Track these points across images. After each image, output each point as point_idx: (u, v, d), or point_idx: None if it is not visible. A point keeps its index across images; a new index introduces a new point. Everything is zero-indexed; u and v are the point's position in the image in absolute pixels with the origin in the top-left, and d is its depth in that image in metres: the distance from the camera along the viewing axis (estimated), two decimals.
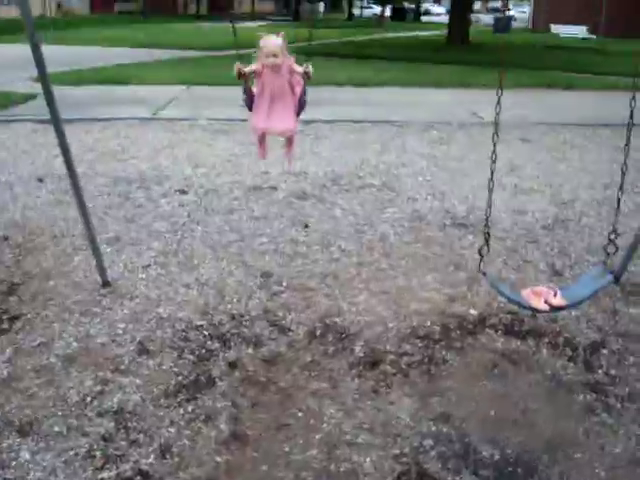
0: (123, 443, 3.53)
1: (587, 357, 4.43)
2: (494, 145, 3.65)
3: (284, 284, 5.43)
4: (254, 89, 4.37)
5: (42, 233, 6.39)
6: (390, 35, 40.60)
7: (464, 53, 25.46)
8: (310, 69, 4.22)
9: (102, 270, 5.35)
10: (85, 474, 3.30)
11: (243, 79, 4.27)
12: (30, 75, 13.64)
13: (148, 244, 6.21)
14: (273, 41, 4.20)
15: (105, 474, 3.30)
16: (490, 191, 3.72)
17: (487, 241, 3.60)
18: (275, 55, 4.16)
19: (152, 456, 3.44)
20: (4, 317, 4.83)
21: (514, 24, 49.04)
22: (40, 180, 8.02)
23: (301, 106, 4.42)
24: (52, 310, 4.93)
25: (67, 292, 5.22)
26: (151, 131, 11.25)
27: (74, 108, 12.88)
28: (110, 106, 13.30)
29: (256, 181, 8.21)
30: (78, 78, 17.11)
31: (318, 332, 4.72)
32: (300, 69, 4.24)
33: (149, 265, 5.75)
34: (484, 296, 5.21)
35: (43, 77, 4.45)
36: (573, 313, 4.95)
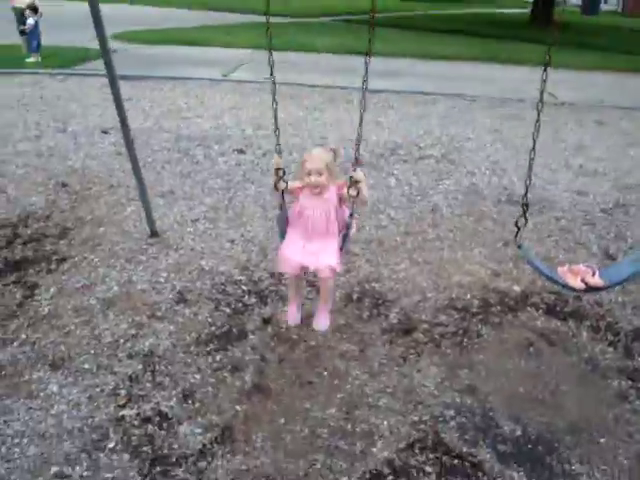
0: (148, 385, 3.63)
1: (628, 343, 4.29)
2: (538, 116, 3.52)
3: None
4: (290, 211, 3.74)
5: (99, 182, 6.56)
6: (473, 11, 39.64)
7: (546, 32, 24.64)
8: (363, 189, 3.50)
9: (151, 221, 5.46)
10: (107, 410, 3.41)
11: (281, 190, 3.63)
12: (108, 33, 13.88)
13: (200, 199, 6.29)
14: (319, 155, 3.55)
15: (126, 412, 3.40)
16: (530, 167, 3.61)
17: (525, 213, 3.49)
18: (320, 173, 3.48)
19: (174, 399, 3.52)
20: (53, 258, 4.99)
21: (604, 7, 47.05)
22: (104, 132, 8.22)
23: (345, 238, 3.68)
24: (99, 255, 5.07)
25: (116, 239, 5.35)
26: (219, 92, 11.34)
27: (149, 66, 13.16)
28: (183, 66, 13.48)
29: (315, 145, 8.18)
30: (157, 38, 17.41)
31: (355, 296, 4.71)
32: (353, 192, 3.50)
33: (198, 219, 5.83)
34: (530, 274, 5.08)
35: (102, 38, 4.51)
36: (620, 299, 4.80)
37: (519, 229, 3.47)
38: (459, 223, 6.07)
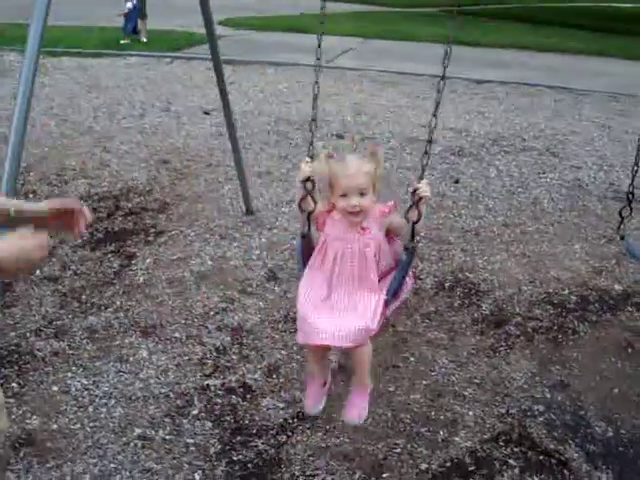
0: (234, 357, 3.67)
1: None
2: None
3: (422, 234, 5.33)
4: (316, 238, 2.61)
5: (199, 161, 6.70)
6: (585, 4, 38.18)
7: None
8: (426, 187, 2.41)
9: (247, 200, 5.53)
10: (193, 378, 3.47)
11: (307, 209, 2.54)
12: (216, 19, 14.16)
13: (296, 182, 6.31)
14: (358, 165, 2.40)
15: (211, 381, 3.45)
16: (638, 154, 3.41)
17: (630, 202, 3.32)
18: (362, 193, 2.39)
19: (259, 372, 3.55)
20: (151, 231, 5.13)
21: None
22: (206, 113, 8.38)
23: (397, 290, 2.52)
24: (195, 230, 5.17)
25: (212, 216, 5.45)
26: (321, 78, 11.30)
27: (255, 51, 13.33)
28: (288, 52, 13.55)
29: (414, 133, 8.07)
30: (262, 24, 17.60)
31: (447, 284, 4.62)
32: (413, 216, 2.41)
33: (293, 200, 5.83)
34: (633, 273, 4.85)
35: (208, 23, 4.59)
36: None
37: (623, 219, 3.30)
38: (561, 217, 5.85)
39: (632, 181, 3.39)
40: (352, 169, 2.38)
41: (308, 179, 2.49)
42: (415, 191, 2.42)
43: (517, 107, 10.03)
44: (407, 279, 2.56)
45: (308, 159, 2.54)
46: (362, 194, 2.39)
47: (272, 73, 11.56)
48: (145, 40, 13.64)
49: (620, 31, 21.80)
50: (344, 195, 2.39)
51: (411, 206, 2.41)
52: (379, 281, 2.48)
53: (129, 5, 13.21)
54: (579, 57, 16.02)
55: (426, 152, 2.50)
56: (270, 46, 14.27)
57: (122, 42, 13.30)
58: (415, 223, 2.41)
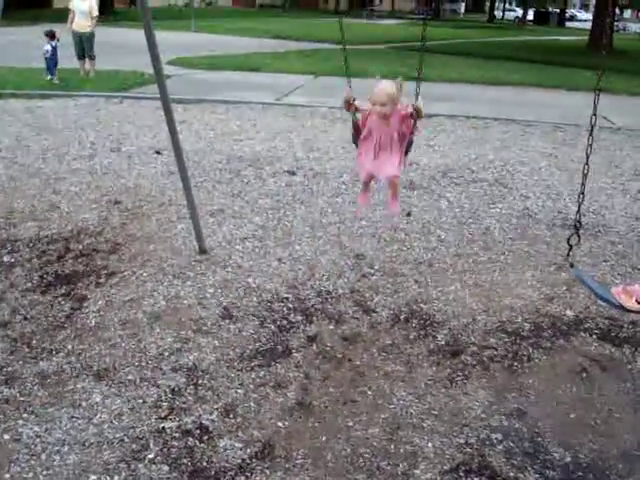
0: (190, 398, 3.61)
1: None
2: (589, 142, 3.44)
3: (376, 267, 5.37)
4: (362, 128, 4.04)
5: (151, 200, 6.65)
6: (529, 38, 39.35)
7: (603, 59, 24.21)
8: (421, 105, 3.81)
9: (200, 238, 5.49)
10: (148, 421, 3.40)
11: (352, 110, 3.98)
12: (166, 59, 14.21)
13: (250, 218, 6.31)
14: (383, 88, 3.77)
15: (167, 424, 3.38)
16: (582, 184, 3.51)
17: (577, 230, 3.40)
18: (383, 104, 3.75)
19: (215, 413, 3.49)
20: (102, 272, 5.06)
21: None
22: (158, 152, 8.34)
23: (407, 149, 4.08)
24: (148, 271, 5.11)
25: (165, 256, 5.39)
26: (272, 115, 11.44)
27: (204, 90, 13.38)
28: (238, 90, 13.65)
29: None
30: (213, 63, 17.71)
31: (402, 316, 4.64)
32: (410, 108, 3.82)
33: (247, 238, 5.84)
34: (583, 299, 4.94)
35: (156, 62, 4.58)
36: None
37: (571, 247, 3.37)
38: (512, 246, 5.94)
39: (579, 209, 3.48)
40: (380, 91, 3.74)
41: (350, 99, 3.88)
42: (414, 106, 3.75)
43: (465, 139, 10.25)
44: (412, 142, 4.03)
45: (348, 88, 3.91)
46: (383, 105, 3.72)
47: (223, 111, 11.60)
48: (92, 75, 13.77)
49: (561, 63, 22.55)
50: (374, 104, 3.77)
51: (412, 113, 3.77)
52: (400, 146, 3.95)
53: (47, 47, 13.21)
54: (524, 89, 16.49)
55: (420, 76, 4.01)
56: (220, 85, 14.35)
57: (55, 82, 13.28)
58: (419, 119, 3.83)
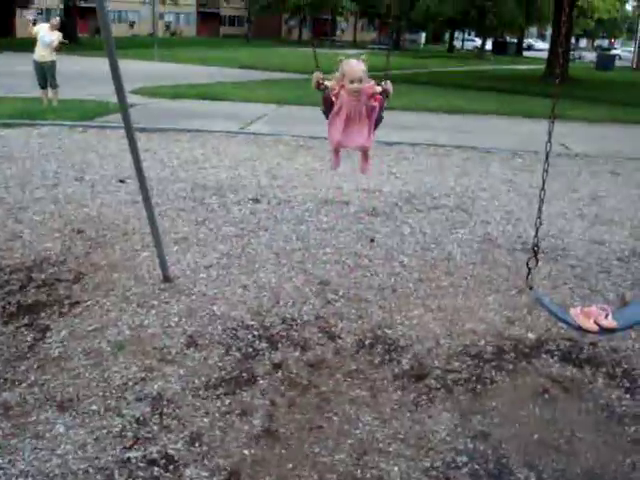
0: (155, 427, 3.58)
1: None
2: (545, 169, 3.54)
3: (340, 293, 5.41)
4: (334, 103, 4.25)
5: (115, 229, 6.62)
6: (488, 67, 40.19)
7: (559, 87, 24.82)
8: (389, 87, 4.11)
9: (164, 267, 5.48)
10: (113, 452, 3.36)
11: (321, 89, 4.18)
12: (130, 88, 14.22)
13: (214, 246, 6.32)
14: (356, 66, 3.99)
15: (132, 454, 3.35)
16: (539, 209, 3.61)
17: (536, 254, 3.49)
18: (360, 80, 3.97)
19: (181, 442, 3.47)
20: (66, 302, 5.01)
21: (618, 63, 47.46)
22: (121, 181, 8.32)
23: (377, 123, 4.28)
24: (111, 300, 5.08)
25: (129, 284, 5.36)
26: (236, 144, 11.50)
27: (168, 119, 13.40)
28: (202, 119, 13.69)
29: (329, 195, 8.24)
30: (177, 92, 17.76)
31: (367, 342, 4.67)
32: (379, 88, 4.09)
33: (211, 265, 5.84)
34: (544, 321, 5.03)
35: (119, 91, 4.61)
36: (637, 345, 4.73)
37: (530, 270, 3.45)
38: (473, 271, 6.03)
39: (536, 234, 3.56)
40: (355, 68, 3.96)
41: (320, 79, 4.13)
42: (382, 86, 4.06)
43: (427, 167, 10.41)
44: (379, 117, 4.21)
45: (317, 72, 4.14)
46: (360, 81, 3.93)
47: (187, 140, 11.63)
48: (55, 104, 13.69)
49: (519, 91, 23.10)
50: (351, 82, 3.94)
51: (382, 93, 4.07)
52: (368, 120, 4.14)
53: None
54: (483, 117, 16.83)
55: None
56: (184, 114, 14.39)
57: None
58: (386, 97, 4.13)
